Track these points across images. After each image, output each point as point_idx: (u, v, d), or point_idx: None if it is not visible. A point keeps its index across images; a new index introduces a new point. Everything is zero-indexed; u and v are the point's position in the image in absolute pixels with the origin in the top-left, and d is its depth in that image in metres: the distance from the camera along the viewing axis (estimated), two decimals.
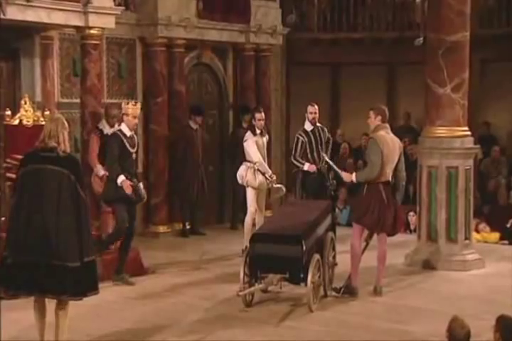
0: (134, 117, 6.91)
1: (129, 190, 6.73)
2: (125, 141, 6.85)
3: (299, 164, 8.33)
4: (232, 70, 10.69)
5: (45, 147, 4.96)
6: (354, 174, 6.62)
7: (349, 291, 6.56)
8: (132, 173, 6.92)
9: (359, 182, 6.57)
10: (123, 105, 6.96)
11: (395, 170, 6.64)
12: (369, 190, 6.55)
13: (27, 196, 4.92)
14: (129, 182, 6.74)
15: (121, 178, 6.76)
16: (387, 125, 6.71)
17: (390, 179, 6.60)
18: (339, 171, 6.86)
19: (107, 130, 7.82)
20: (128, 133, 6.88)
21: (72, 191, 4.89)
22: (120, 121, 7.12)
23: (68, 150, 5.02)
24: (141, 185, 6.99)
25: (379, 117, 6.62)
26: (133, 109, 6.90)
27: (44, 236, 4.83)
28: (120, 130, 6.93)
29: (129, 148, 6.87)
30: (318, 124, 8.42)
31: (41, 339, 5.03)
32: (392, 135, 6.70)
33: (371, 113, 6.65)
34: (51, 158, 4.93)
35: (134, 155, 6.96)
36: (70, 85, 8.69)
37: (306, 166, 8.27)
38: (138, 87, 9.52)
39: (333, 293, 6.56)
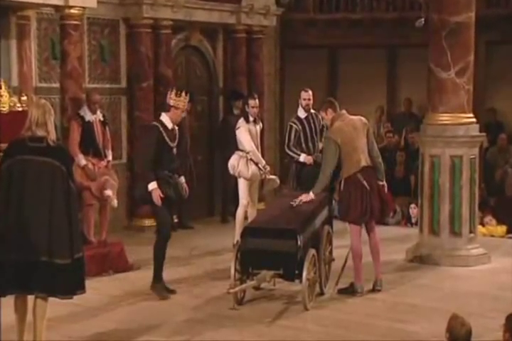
0: (183, 111, 6.65)
1: (157, 201, 6.41)
2: (165, 134, 6.50)
3: (293, 154, 8.30)
4: (223, 53, 10.66)
5: (33, 136, 4.89)
6: (311, 192, 6.64)
7: (352, 291, 6.58)
8: (173, 169, 6.62)
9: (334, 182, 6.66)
10: (172, 96, 6.53)
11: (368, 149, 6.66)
12: (347, 183, 6.58)
13: (16, 190, 4.85)
14: (159, 192, 6.40)
15: (152, 186, 6.38)
16: (342, 111, 6.72)
17: (366, 163, 6.60)
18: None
19: (89, 117, 7.80)
20: (170, 125, 6.55)
21: (64, 184, 4.86)
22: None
23: (55, 139, 4.98)
24: (182, 179, 6.72)
25: (330, 110, 6.69)
26: (184, 102, 6.59)
27: (36, 232, 4.81)
28: (161, 121, 6.53)
29: (169, 143, 6.54)
30: (312, 111, 8.41)
31: (20, 340, 5.02)
32: (350, 118, 6.70)
33: (321, 113, 6.82)
34: (41, 149, 4.87)
35: (174, 150, 6.63)
36: (49, 69, 8.63)
37: (302, 157, 8.23)
38: (121, 70, 9.48)
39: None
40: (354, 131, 6.60)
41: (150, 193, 6.41)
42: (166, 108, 6.62)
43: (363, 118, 6.79)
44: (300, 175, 8.30)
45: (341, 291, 6.61)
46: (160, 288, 6.56)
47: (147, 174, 6.48)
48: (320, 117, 8.54)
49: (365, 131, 6.68)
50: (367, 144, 6.64)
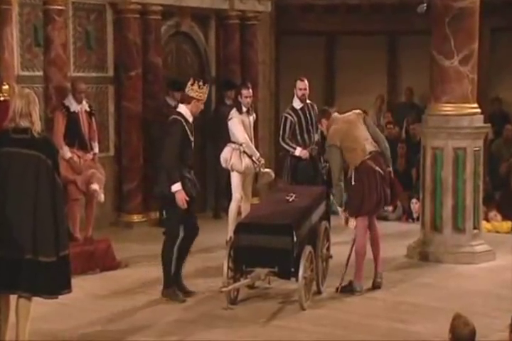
0: (202, 103, 6.58)
1: (183, 205, 6.30)
2: (186, 127, 6.41)
3: (289, 148, 8.27)
4: (215, 40, 10.64)
5: (17, 127, 4.88)
6: (341, 207, 6.73)
7: (351, 290, 6.60)
8: (190, 165, 6.54)
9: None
10: (193, 87, 6.37)
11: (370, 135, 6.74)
12: (358, 173, 6.60)
13: None
14: (184, 194, 6.28)
15: (176, 187, 6.27)
16: (334, 115, 6.82)
17: (373, 148, 6.66)
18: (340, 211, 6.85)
19: (74, 107, 7.79)
20: (190, 118, 6.46)
21: (50, 178, 4.86)
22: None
23: (40, 130, 4.97)
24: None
25: (323, 120, 6.85)
26: (206, 93, 6.52)
27: (20, 228, 4.81)
28: (181, 114, 6.41)
29: (190, 136, 6.45)
30: (308, 101, 8.39)
31: (2, 340, 5.03)
32: (342, 116, 6.82)
33: (320, 126, 6.99)
34: (25, 141, 4.86)
35: (193, 144, 6.53)
36: (32, 56, 8.60)
37: (298, 151, 8.21)
38: (108, 58, 9.45)
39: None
40: (348, 124, 6.69)
41: (173, 193, 6.29)
42: (186, 100, 6.47)
43: (356, 110, 6.86)
44: (295, 170, 8.29)
45: (340, 290, 6.63)
46: (172, 292, 6.44)
47: (172, 173, 6.33)
48: (316, 108, 8.55)
49: (361, 120, 6.75)
50: (368, 131, 6.70)
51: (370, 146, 6.64)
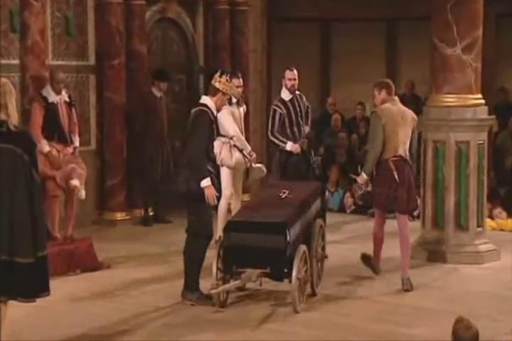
0: (227, 97, 6.62)
1: (213, 201, 6.31)
2: (213, 119, 6.43)
3: (278, 142, 8.23)
4: (203, 27, 10.64)
5: None
6: (362, 172, 6.86)
7: (372, 267, 6.94)
8: (212, 160, 6.57)
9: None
10: (221, 80, 6.42)
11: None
12: (378, 169, 6.80)
13: None
14: (214, 189, 6.27)
15: (206, 183, 6.24)
16: (395, 97, 6.94)
17: (403, 154, 6.78)
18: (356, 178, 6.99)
19: (53, 98, 7.78)
20: (215, 111, 6.47)
21: (26, 174, 4.86)
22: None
23: (17, 123, 4.96)
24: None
25: (383, 91, 6.89)
26: (232, 88, 6.62)
27: None
28: (206, 106, 6.40)
29: (215, 131, 6.51)
30: (297, 92, 8.36)
31: None
32: (403, 107, 6.93)
33: (374, 90, 6.94)
34: (1, 134, 4.86)
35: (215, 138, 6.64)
36: (7, 43, 8.56)
37: (289, 146, 8.17)
38: (89, 46, 9.44)
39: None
40: (401, 117, 6.82)
41: (201, 189, 6.26)
42: (211, 92, 6.47)
43: (414, 114, 6.98)
44: (286, 165, 8.26)
45: (364, 258, 6.91)
46: (200, 296, 6.34)
47: (200, 167, 6.29)
48: (305, 98, 8.51)
49: (412, 125, 6.88)
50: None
51: (401, 150, 6.79)
